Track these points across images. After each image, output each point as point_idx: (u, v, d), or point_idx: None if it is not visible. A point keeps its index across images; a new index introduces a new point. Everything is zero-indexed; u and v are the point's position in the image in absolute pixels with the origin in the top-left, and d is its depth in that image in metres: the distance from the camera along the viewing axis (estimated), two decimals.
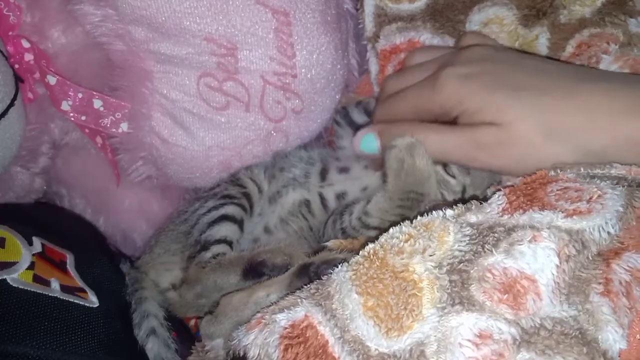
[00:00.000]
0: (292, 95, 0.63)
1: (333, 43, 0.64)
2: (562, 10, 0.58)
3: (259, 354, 0.38)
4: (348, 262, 0.40)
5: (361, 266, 0.39)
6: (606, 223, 0.36)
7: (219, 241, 0.59)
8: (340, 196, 0.61)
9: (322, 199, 0.62)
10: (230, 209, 0.61)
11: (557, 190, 0.39)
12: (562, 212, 0.36)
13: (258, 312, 0.42)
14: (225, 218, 0.60)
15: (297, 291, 0.42)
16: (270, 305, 0.42)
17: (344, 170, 0.62)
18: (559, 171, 0.41)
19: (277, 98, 0.63)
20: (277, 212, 0.64)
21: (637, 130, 0.40)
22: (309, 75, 0.63)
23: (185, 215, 0.64)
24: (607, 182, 0.39)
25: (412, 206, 0.51)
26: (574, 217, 0.36)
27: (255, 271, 0.54)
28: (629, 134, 0.40)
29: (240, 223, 0.61)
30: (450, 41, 0.64)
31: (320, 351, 0.36)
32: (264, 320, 0.40)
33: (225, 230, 0.60)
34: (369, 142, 0.53)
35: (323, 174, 0.63)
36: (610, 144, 0.41)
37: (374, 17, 0.67)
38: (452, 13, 0.64)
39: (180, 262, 0.61)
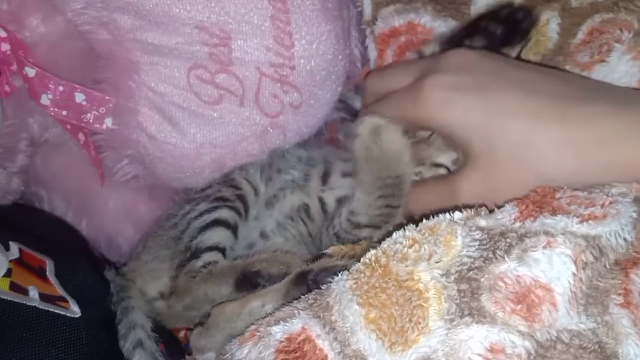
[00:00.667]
0: (290, 89, 0.64)
1: (334, 32, 0.64)
2: None
3: None
4: (348, 270, 0.41)
5: (362, 274, 0.39)
6: (622, 229, 0.36)
7: (211, 248, 0.59)
8: (341, 200, 0.61)
9: (323, 203, 0.62)
10: (224, 213, 0.61)
11: (567, 196, 0.39)
12: (577, 217, 0.37)
13: (252, 324, 0.43)
14: (217, 223, 0.61)
15: (294, 301, 0.42)
16: (265, 317, 0.43)
17: (348, 174, 0.62)
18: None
19: (274, 91, 0.63)
20: (274, 217, 0.64)
21: (623, 155, 0.42)
22: (308, 67, 0.63)
23: (175, 219, 0.65)
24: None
25: (394, 193, 0.51)
26: (590, 222, 0.36)
27: (249, 282, 0.54)
28: (614, 161, 0.42)
29: (234, 228, 0.62)
30: (454, 25, 0.64)
31: None
32: (258, 333, 0.40)
33: (218, 236, 0.60)
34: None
35: (325, 178, 0.63)
36: (591, 174, 0.42)
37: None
38: None
39: (169, 269, 0.61)
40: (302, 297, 0.43)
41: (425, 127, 0.52)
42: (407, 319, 0.36)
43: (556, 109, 0.44)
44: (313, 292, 0.42)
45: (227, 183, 0.65)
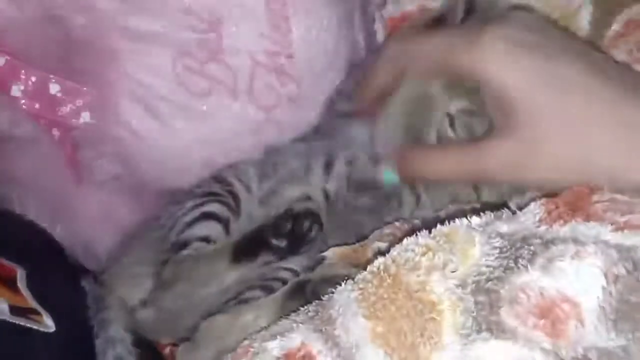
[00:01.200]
0: (287, 79, 0.63)
1: (336, 17, 0.64)
2: None
3: None
4: (353, 279, 0.40)
5: (369, 284, 0.38)
6: None
7: (201, 239, 0.59)
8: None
9: (327, 195, 0.62)
10: (214, 207, 0.61)
11: (605, 200, 0.39)
12: (612, 225, 0.36)
13: (245, 339, 0.42)
14: (207, 216, 0.60)
15: (292, 314, 0.42)
16: (259, 331, 0.42)
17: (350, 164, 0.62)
18: None
19: (269, 82, 0.63)
20: (271, 214, 0.63)
21: None
22: (307, 56, 0.63)
23: (160, 220, 0.64)
24: None
25: None
26: (625, 231, 0.36)
27: (249, 246, 0.55)
28: None
29: (225, 222, 0.61)
30: None
31: None
32: (252, 349, 0.40)
33: (208, 229, 0.59)
34: (388, 177, 0.56)
35: (328, 167, 0.63)
36: None
37: None
38: None
39: (154, 274, 0.61)
40: (301, 309, 0.42)
41: (466, 78, 0.48)
42: (418, 334, 0.36)
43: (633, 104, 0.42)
44: (313, 304, 0.42)
45: (217, 180, 0.64)
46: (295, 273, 0.60)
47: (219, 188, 0.63)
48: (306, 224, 0.55)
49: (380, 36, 0.69)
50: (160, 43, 0.60)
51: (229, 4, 0.59)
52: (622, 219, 0.37)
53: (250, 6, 0.60)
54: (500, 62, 0.45)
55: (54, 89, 0.63)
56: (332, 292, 0.41)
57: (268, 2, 0.60)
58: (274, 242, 0.55)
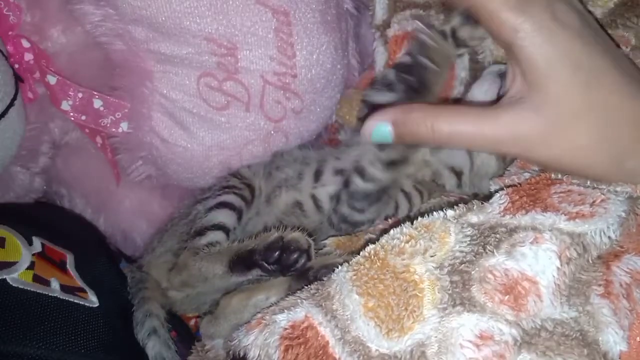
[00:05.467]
0: (292, 95, 0.63)
1: (333, 43, 0.63)
2: None
3: (259, 355, 0.38)
4: (348, 263, 0.40)
5: (362, 267, 0.38)
6: (608, 227, 0.35)
7: (215, 227, 0.58)
8: (334, 198, 0.59)
9: (316, 200, 0.61)
10: (230, 197, 0.60)
11: (561, 192, 0.38)
12: (565, 215, 0.36)
13: (258, 312, 0.42)
14: (223, 205, 0.60)
15: (298, 292, 0.42)
16: (270, 306, 0.42)
17: (340, 172, 0.60)
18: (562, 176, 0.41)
19: (277, 98, 0.63)
20: (273, 212, 0.63)
21: None
22: (309, 75, 0.62)
23: (188, 217, 0.63)
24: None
25: None
26: (577, 220, 0.36)
27: (242, 263, 0.52)
28: None
29: (239, 211, 0.60)
30: None
31: (320, 352, 0.36)
32: (264, 321, 0.40)
33: (223, 216, 0.59)
34: (381, 132, 0.43)
35: (317, 175, 0.62)
36: None
37: (388, 3, 0.65)
38: None
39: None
40: (305, 287, 0.42)
41: (499, 32, 0.39)
42: (403, 308, 0.36)
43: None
44: (315, 283, 0.41)
45: (234, 175, 0.64)
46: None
47: (237, 182, 0.62)
48: (294, 256, 0.50)
49: (380, 54, 0.66)
50: (186, 65, 0.60)
51: (244, 33, 0.59)
52: (575, 210, 0.36)
53: (262, 34, 0.59)
54: (543, 35, 0.37)
55: (97, 103, 0.63)
56: (331, 275, 0.41)
57: (276, 31, 0.60)
58: (265, 265, 0.52)
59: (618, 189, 0.38)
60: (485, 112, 0.40)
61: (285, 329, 0.38)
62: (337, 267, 0.40)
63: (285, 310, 0.39)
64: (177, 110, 0.62)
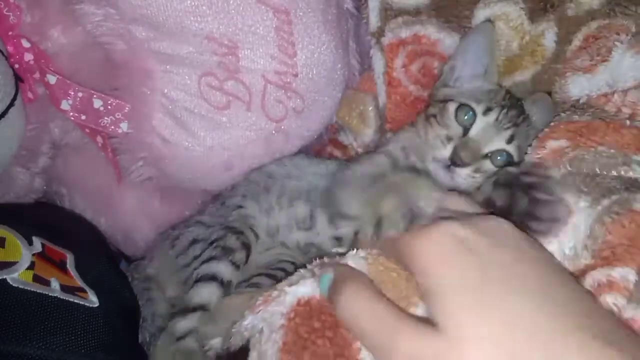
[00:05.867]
0: (293, 95, 0.63)
1: (334, 42, 0.63)
2: (569, 3, 0.56)
3: (262, 328, 0.37)
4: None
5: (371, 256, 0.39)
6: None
7: (195, 308, 0.55)
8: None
9: (339, 239, 0.59)
10: (222, 267, 0.57)
11: None
12: None
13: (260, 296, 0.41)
14: (213, 278, 0.57)
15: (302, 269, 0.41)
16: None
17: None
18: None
19: (279, 97, 0.62)
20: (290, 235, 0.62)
21: None
22: (310, 75, 0.62)
23: (186, 252, 0.62)
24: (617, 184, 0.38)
25: None
26: None
27: None
28: None
29: (227, 284, 0.57)
30: (456, 37, 0.63)
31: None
32: (270, 297, 0.39)
33: (208, 293, 0.56)
34: (324, 282, 0.39)
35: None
36: None
37: (379, 11, 0.66)
38: (456, 9, 0.63)
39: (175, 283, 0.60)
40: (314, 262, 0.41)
41: (405, 263, 0.37)
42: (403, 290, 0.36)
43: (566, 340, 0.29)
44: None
45: (232, 230, 0.61)
46: (293, 264, 0.59)
47: (234, 240, 0.59)
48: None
49: (378, 60, 0.67)
50: (187, 64, 0.59)
51: (245, 32, 0.59)
52: None
53: (263, 34, 0.59)
54: (436, 260, 0.34)
55: (97, 103, 0.62)
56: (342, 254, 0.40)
57: (277, 30, 0.59)
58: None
59: (582, 204, 0.38)
60: (395, 317, 0.34)
61: (300, 298, 0.37)
62: None
63: (293, 285, 0.39)
64: (178, 110, 0.61)
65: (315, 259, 0.43)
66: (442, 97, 0.60)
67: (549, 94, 0.57)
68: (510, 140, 0.55)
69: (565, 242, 0.38)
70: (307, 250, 0.60)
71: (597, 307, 0.33)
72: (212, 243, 0.60)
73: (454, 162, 0.54)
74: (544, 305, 0.31)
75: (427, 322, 0.32)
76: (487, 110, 0.56)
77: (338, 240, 0.58)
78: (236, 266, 0.58)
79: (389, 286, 0.36)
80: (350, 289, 0.36)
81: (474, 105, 0.56)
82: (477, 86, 0.59)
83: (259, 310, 0.39)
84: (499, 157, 0.55)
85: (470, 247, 0.34)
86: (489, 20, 0.60)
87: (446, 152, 0.55)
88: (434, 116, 0.58)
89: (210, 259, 0.58)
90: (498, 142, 0.55)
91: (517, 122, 0.56)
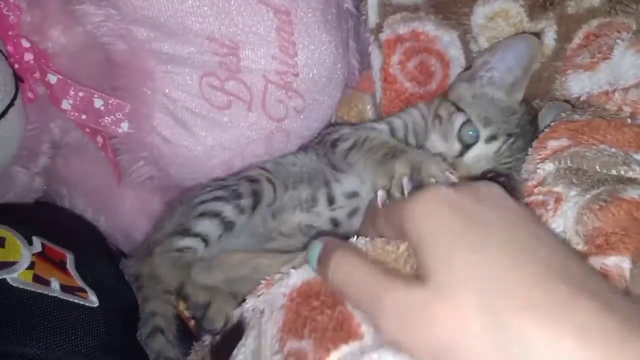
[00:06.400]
0: (294, 94, 0.63)
1: (334, 42, 0.63)
2: (569, 1, 0.57)
3: (263, 309, 0.37)
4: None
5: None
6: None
7: (197, 235, 0.57)
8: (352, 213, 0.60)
9: (335, 223, 0.60)
10: (226, 208, 0.59)
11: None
12: None
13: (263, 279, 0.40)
14: (215, 215, 0.58)
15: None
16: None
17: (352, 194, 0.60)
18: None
19: (279, 97, 0.62)
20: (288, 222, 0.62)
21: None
22: (310, 74, 0.62)
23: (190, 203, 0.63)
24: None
25: None
26: None
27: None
28: None
29: (230, 224, 0.59)
30: (455, 34, 0.63)
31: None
32: (272, 280, 0.39)
33: (208, 225, 0.57)
34: (312, 256, 0.39)
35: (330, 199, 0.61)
36: None
37: (378, 7, 0.66)
38: (455, 6, 0.63)
39: None
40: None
41: (397, 230, 0.37)
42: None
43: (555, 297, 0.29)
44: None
45: (247, 178, 0.62)
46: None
47: (247, 186, 0.61)
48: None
49: (376, 57, 0.67)
50: (188, 65, 0.59)
51: (245, 32, 0.59)
52: None
53: (263, 34, 0.59)
54: (424, 216, 0.34)
55: (98, 103, 0.62)
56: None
57: (278, 30, 0.59)
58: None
59: (571, 193, 0.38)
60: (382, 277, 0.34)
61: (304, 282, 0.37)
62: None
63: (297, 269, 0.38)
64: (179, 110, 0.61)
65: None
66: (457, 97, 0.59)
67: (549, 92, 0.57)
68: None
69: (554, 228, 0.38)
70: (308, 233, 0.61)
71: (581, 263, 0.33)
72: (223, 187, 0.61)
73: None
74: (525, 256, 0.32)
75: (415, 277, 0.33)
76: (491, 139, 0.54)
77: (335, 223, 0.59)
78: (241, 209, 0.59)
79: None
80: (337, 254, 0.36)
81: (480, 127, 0.55)
82: (497, 98, 0.57)
83: (261, 294, 0.39)
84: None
85: (455, 205, 0.35)
86: (537, 36, 0.57)
87: None
88: (440, 119, 0.58)
89: (217, 198, 0.59)
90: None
91: (518, 155, 0.54)
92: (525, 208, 0.38)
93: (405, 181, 0.42)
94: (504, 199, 0.37)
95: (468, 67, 0.62)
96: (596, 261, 0.35)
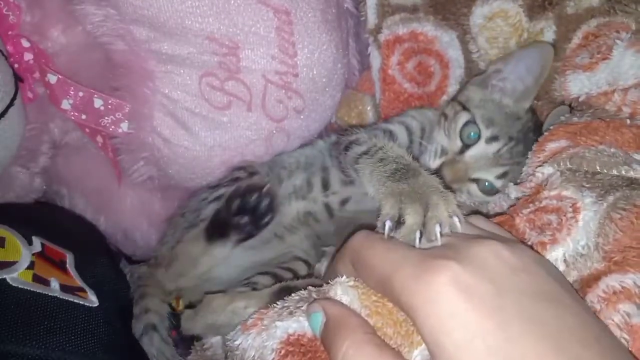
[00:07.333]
0: (294, 95, 0.63)
1: (334, 42, 0.63)
2: (568, 1, 0.56)
3: (253, 356, 0.36)
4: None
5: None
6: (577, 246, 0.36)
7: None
8: (344, 201, 0.60)
9: (329, 209, 0.61)
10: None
11: (530, 212, 0.39)
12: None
13: (254, 313, 0.39)
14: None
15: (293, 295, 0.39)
16: (270, 309, 0.39)
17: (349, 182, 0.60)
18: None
19: (279, 97, 0.62)
20: (282, 220, 0.62)
21: None
22: (310, 74, 0.62)
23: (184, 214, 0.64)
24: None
25: None
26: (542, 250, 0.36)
27: (216, 230, 0.54)
28: None
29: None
30: (453, 34, 0.63)
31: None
32: (261, 323, 0.38)
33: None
34: (315, 321, 0.36)
35: (325, 184, 0.62)
36: None
37: (377, 8, 0.66)
38: (454, 6, 0.63)
39: None
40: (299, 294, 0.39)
41: (403, 308, 0.34)
42: (411, 323, 0.33)
43: None
44: (309, 289, 0.39)
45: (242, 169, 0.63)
46: (307, 263, 0.59)
47: (245, 175, 0.62)
48: (253, 197, 0.53)
49: (375, 58, 0.67)
50: (188, 65, 0.59)
51: (245, 33, 0.58)
52: (538, 239, 0.38)
53: (263, 34, 0.59)
54: (440, 312, 0.31)
55: (97, 103, 0.61)
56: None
57: (278, 30, 0.59)
58: (235, 219, 0.53)
59: (587, 200, 0.38)
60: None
61: (291, 335, 0.36)
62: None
63: (287, 318, 0.37)
64: (178, 110, 0.61)
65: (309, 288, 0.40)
66: (465, 98, 0.60)
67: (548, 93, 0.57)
68: (501, 177, 0.55)
69: (578, 240, 0.37)
70: (307, 222, 0.61)
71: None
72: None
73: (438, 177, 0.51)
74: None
75: None
76: (492, 139, 0.55)
77: (329, 211, 0.60)
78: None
79: (386, 320, 0.34)
80: (350, 342, 0.33)
81: (482, 127, 0.56)
82: (504, 103, 0.58)
83: (250, 333, 0.38)
84: (486, 184, 0.56)
85: (470, 290, 0.31)
86: (552, 45, 0.57)
87: (434, 164, 0.56)
88: (446, 117, 0.59)
89: (220, 186, 0.61)
90: (487, 174, 0.55)
91: (518, 160, 0.54)
92: (561, 276, 0.35)
93: (387, 225, 0.37)
94: (532, 265, 0.33)
95: (481, 72, 0.63)
96: (615, 279, 0.34)
